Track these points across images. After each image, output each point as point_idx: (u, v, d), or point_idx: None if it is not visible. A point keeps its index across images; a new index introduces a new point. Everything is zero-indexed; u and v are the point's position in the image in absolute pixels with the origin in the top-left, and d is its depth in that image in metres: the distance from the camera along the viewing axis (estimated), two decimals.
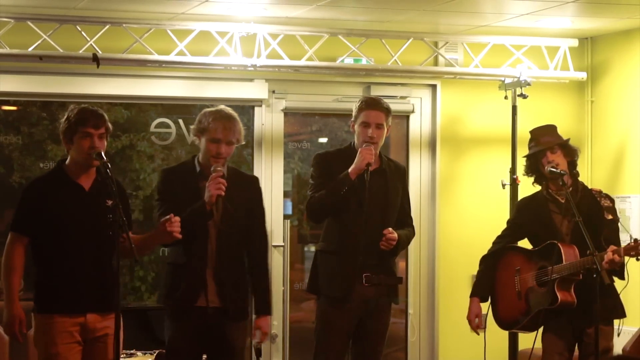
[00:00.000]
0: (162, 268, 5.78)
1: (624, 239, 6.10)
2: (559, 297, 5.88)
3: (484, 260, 6.30)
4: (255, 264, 5.66)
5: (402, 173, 6.09)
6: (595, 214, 5.98)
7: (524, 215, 6.21)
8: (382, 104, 5.89)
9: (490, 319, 6.24)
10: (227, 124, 5.47)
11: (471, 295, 6.22)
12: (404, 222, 6.00)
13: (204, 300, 5.47)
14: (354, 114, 5.91)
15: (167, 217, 5.18)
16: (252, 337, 5.85)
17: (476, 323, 6.15)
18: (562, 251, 5.90)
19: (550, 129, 6.19)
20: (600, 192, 6.14)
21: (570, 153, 6.12)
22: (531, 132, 6.25)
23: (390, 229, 5.77)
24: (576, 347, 6.09)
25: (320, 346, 5.84)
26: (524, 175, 6.30)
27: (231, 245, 5.53)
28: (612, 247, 5.80)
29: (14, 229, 5.25)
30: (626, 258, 5.81)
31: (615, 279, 5.99)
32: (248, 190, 5.64)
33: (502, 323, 6.23)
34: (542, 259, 6.00)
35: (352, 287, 5.72)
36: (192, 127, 5.60)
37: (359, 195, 5.73)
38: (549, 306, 5.91)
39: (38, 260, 5.25)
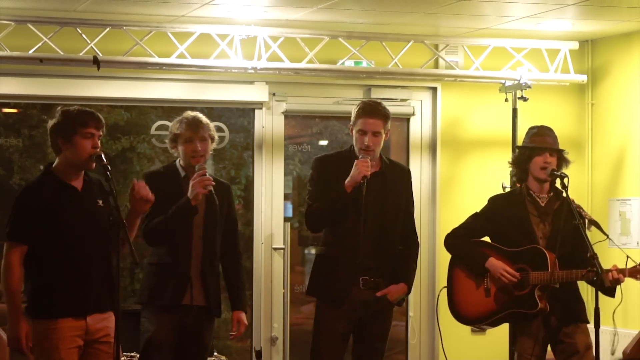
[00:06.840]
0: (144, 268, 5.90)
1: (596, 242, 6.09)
2: (538, 303, 5.89)
3: (460, 238, 6.20)
4: (232, 264, 5.87)
5: (406, 175, 5.99)
6: (571, 224, 5.94)
7: (499, 213, 6.13)
8: (380, 111, 5.77)
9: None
10: (192, 123, 5.76)
11: (483, 267, 6.05)
12: (407, 238, 5.93)
13: (189, 298, 5.67)
14: (352, 118, 5.82)
15: (132, 186, 5.20)
16: (229, 336, 5.99)
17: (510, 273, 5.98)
18: (547, 258, 5.90)
19: (553, 133, 6.18)
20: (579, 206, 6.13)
21: (561, 163, 6.10)
22: (538, 128, 6.15)
23: (383, 291, 5.77)
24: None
25: (314, 347, 5.86)
26: (509, 163, 6.20)
27: (214, 244, 5.74)
28: (616, 266, 5.85)
29: (11, 238, 5.09)
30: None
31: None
32: (227, 196, 5.85)
33: (461, 317, 6.16)
34: (521, 262, 5.97)
35: (348, 291, 5.72)
36: (166, 141, 5.93)
37: (357, 203, 5.69)
38: (528, 310, 5.91)
39: (36, 266, 5.12)
